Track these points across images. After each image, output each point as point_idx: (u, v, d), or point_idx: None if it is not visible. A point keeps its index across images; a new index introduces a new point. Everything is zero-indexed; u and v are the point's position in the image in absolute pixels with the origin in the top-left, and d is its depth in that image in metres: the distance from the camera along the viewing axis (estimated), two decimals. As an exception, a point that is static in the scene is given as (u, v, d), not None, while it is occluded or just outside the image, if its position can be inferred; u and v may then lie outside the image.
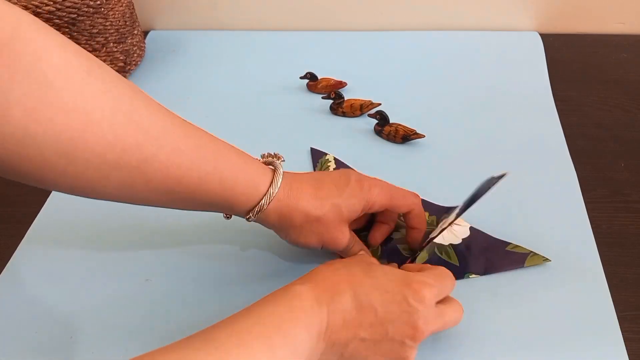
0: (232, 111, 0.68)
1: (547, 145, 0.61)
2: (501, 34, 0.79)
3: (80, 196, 0.38)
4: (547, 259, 0.48)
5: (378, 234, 0.50)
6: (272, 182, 0.42)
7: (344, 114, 0.67)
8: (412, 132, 0.61)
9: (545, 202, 0.54)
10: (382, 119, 0.63)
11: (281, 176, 0.42)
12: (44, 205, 0.57)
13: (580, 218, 0.53)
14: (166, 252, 0.52)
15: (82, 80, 0.33)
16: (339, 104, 0.66)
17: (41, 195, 0.58)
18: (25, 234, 0.54)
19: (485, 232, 0.51)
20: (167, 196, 0.39)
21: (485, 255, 0.49)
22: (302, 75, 0.70)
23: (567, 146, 0.61)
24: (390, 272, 0.40)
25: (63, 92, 0.32)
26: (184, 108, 0.69)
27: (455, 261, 0.49)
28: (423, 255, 0.49)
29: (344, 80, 0.70)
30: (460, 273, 0.48)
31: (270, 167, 0.44)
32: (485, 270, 0.48)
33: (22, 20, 0.32)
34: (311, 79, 0.70)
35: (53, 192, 0.58)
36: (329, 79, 0.70)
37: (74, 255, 0.52)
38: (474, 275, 0.48)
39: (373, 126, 0.64)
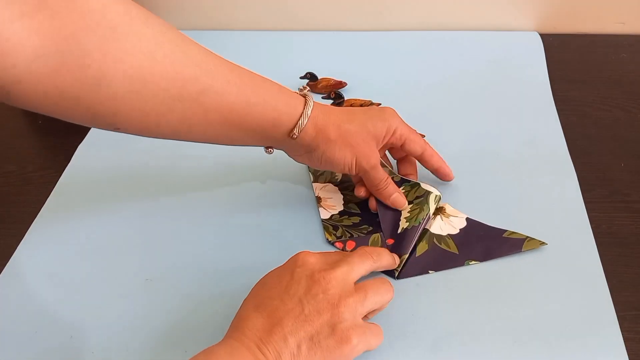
0: (232, 111, 0.68)
1: (547, 145, 0.61)
2: (501, 34, 0.79)
3: (146, 135, 0.43)
4: (544, 242, 0.49)
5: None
6: (306, 103, 0.47)
7: (344, 114, 0.67)
8: (412, 132, 0.61)
9: (545, 202, 0.54)
10: (382, 119, 0.62)
11: (312, 99, 0.48)
12: (44, 205, 0.57)
13: (580, 218, 0.53)
14: (166, 252, 0.52)
15: (143, 25, 0.39)
16: (339, 104, 0.66)
17: (41, 195, 0.58)
18: (25, 234, 0.54)
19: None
20: (222, 126, 0.44)
21: (483, 243, 0.50)
22: (302, 75, 0.70)
23: (567, 146, 0.61)
24: (271, 272, 0.42)
25: (128, 37, 0.38)
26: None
27: (454, 250, 0.50)
28: (422, 245, 0.50)
29: (344, 80, 0.70)
30: (460, 260, 0.49)
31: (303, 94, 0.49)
32: (485, 257, 0.49)
33: None
34: (311, 79, 0.70)
35: (53, 192, 0.58)
36: (329, 79, 0.71)
37: (74, 255, 0.52)
38: (474, 262, 0.49)
39: (373, 126, 0.64)
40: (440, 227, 0.52)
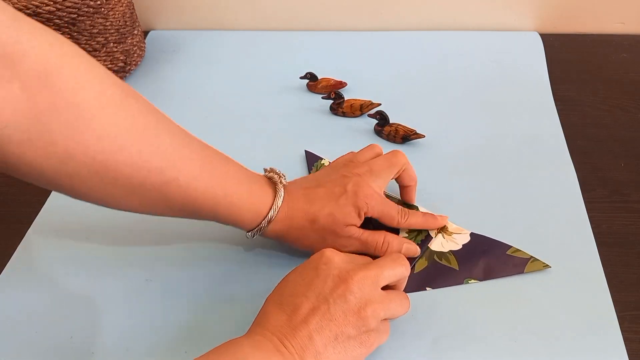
0: (232, 111, 0.68)
1: (547, 145, 0.61)
2: (501, 34, 0.79)
3: (107, 207, 0.42)
4: (547, 265, 0.48)
5: None
6: (272, 206, 0.46)
7: (344, 114, 0.67)
8: (412, 132, 0.61)
9: (545, 202, 0.54)
10: (382, 119, 0.63)
11: (281, 199, 0.46)
12: (44, 206, 0.57)
13: (580, 218, 0.53)
14: (166, 253, 0.52)
15: (116, 108, 0.38)
16: (339, 104, 0.66)
17: (41, 195, 0.58)
18: (25, 234, 0.54)
19: (486, 235, 0.51)
20: (183, 213, 0.44)
21: (485, 260, 0.49)
22: (302, 75, 0.70)
23: (567, 146, 0.61)
24: (294, 270, 0.42)
25: (97, 121, 0.37)
26: (184, 108, 0.69)
27: (455, 266, 0.49)
28: (422, 262, 0.49)
29: (344, 80, 0.70)
30: (460, 278, 0.48)
31: (274, 184, 0.47)
32: (485, 276, 0.48)
33: (65, 53, 0.36)
34: (311, 79, 0.70)
35: (53, 193, 0.58)
36: (329, 79, 0.70)
37: (74, 255, 0.52)
38: (473, 281, 0.48)
39: (373, 126, 0.64)
40: (441, 244, 0.51)
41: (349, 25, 0.82)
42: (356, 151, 0.52)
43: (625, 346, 0.43)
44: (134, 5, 0.76)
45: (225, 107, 0.69)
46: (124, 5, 0.71)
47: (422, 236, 0.51)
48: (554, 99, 0.68)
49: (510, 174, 0.58)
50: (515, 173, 0.58)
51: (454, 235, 0.51)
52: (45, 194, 0.58)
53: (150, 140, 0.39)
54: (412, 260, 0.49)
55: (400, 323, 0.45)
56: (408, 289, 0.47)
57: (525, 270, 0.48)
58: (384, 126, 0.63)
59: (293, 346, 0.36)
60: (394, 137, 0.62)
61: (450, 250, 0.50)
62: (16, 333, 0.46)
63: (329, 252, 0.41)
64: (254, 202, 0.45)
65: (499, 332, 0.44)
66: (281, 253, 0.51)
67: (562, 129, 0.63)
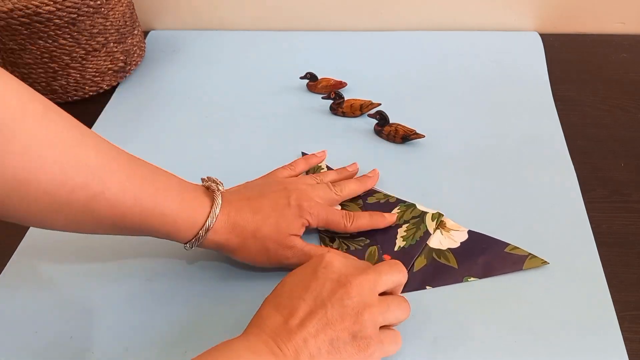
0: (232, 111, 0.68)
1: (547, 145, 0.61)
2: (501, 34, 0.79)
3: (31, 226, 0.40)
4: (545, 261, 0.48)
5: None
6: (209, 215, 0.44)
7: (344, 114, 0.67)
8: (412, 132, 0.61)
9: (545, 202, 0.54)
10: (382, 119, 0.63)
11: (219, 207, 0.44)
12: (44, 205, 0.57)
13: (580, 218, 0.53)
14: (166, 252, 0.52)
15: (37, 124, 0.36)
16: (339, 104, 0.66)
17: (41, 195, 0.58)
18: (25, 234, 0.54)
19: (484, 233, 0.51)
20: (113, 229, 0.42)
21: (484, 258, 0.49)
22: (302, 75, 0.70)
23: (567, 146, 0.61)
24: (292, 273, 0.42)
25: (17, 137, 0.35)
26: (184, 108, 0.69)
27: (454, 264, 0.49)
28: (421, 260, 0.49)
29: (344, 80, 0.70)
30: (459, 276, 0.48)
31: (212, 193, 0.46)
32: (484, 274, 0.48)
33: None
34: (311, 79, 0.70)
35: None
36: (329, 79, 0.70)
37: (74, 255, 0.52)
38: (473, 279, 0.48)
39: (373, 126, 0.64)
40: (440, 241, 0.51)
41: (349, 25, 0.82)
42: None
43: (625, 346, 0.43)
44: (134, 5, 0.76)
45: (225, 107, 0.69)
46: (124, 5, 0.71)
47: (420, 232, 0.51)
48: (554, 99, 0.68)
49: (510, 174, 0.58)
50: (515, 173, 0.58)
51: (451, 232, 0.51)
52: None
53: (74, 155, 0.38)
54: (412, 262, 0.49)
55: (400, 323, 0.45)
56: (409, 288, 0.47)
57: (524, 267, 0.48)
58: (384, 126, 0.63)
59: (288, 349, 0.36)
60: (394, 137, 0.62)
61: (449, 249, 0.50)
62: (16, 333, 0.46)
63: (329, 256, 0.41)
64: (188, 212, 0.44)
65: (499, 332, 0.44)
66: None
67: (562, 129, 0.63)
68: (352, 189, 0.54)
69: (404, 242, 0.50)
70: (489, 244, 0.50)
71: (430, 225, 0.52)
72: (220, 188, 0.46)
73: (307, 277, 0.40)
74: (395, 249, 0.50)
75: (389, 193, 0.55)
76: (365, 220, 0.51)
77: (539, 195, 0.55)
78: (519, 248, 0.50)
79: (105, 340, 0.45)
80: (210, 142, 0.64)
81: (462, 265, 0.49)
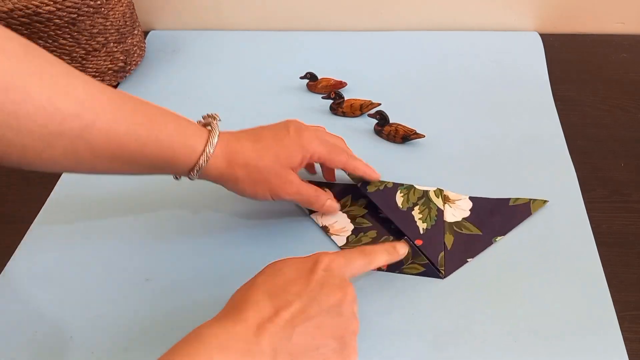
0: (232, 111, 0.68)
1: (547, 145, 0.61)
2: (501, 34, 0.79)
3: (30, 169, 0.40)
4: (546, 200, 0.53)
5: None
6: (207, 141, 0.44)
7: (344, 114, 0.67)
8: (412, 132, 0.61)
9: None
10: (382, 119, 0.63)
11: (217, 135, 0.45)
12: (44, 205, 0.57)
13: (580, 218, 0.53)
14: (166, 252, 0.52)
15: (19, 60, 0.36)
16: (339, 104, 0.66)
17: (41, 195, 0.58)
18: (25, 234, 0.54)
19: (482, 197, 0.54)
20: (112, 162, 0.42)
21: (496, 217, 0.52)
22: (302, 75, 0.70)
23: (567, 146, 0.61)
24: (289, 262, 0.41)
25: (1, 72, 0.35)
26: (184, 108, 0.69)
27: (477, 231, 0.51)
28: (449, 237, 0.51)
29: (344, 80, 0.70)
30: (487, 240, 0.51)
31: (208, 127, 0.46)
32: (505, 230, 0.51)
33: None
34: (311, 79, 0.70)
35: (53, 193, 0.59)
36: (329, 79, 0.70)
37: (74, 255, 0.52)
38: (499, 238, 0.50)
39: (373, 126, 0.64)
40: (452, 214, 0.53)
41: (349, 25, 0.82)
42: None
43: (625, 346, 0.43)
44: (134, 5, 0.76)
45: (225, 107, 0.69)
46: (124, 5, 0.71)
47: (434, 211, 0.52)
48: (554, 99, 0.68)
49: (510, 174, 0.58)
50: (515, 173, 0.58)
51: (457, 203, 0.54)
52: (46, 194, 0.58)
53: (61, 87, 0.38)
54: (443, 241, 0.50)
55: (401, 321, 0.45)
56: (454, 268, 0.49)
57: (532, 212, 0.52)
58: (384, 126, 0.63)
59: (268, 343, 0.35)
60: (394, 137, 0.62)
61: (464, 218, 0.52)
62: (16, 333, 0.46)
63: (327, 259, 0.40)
64: (185, 139, 0.44)
65: (499, 332, 0.44)
66: (281, 253, 0.51)
67: (562, 129, 0.63)
68: (361, 167, 0.52)
69: (425, 224, 0.51)
70: (494, 204, 0.53)
71: (438, 202, 0.53)
72: (217, 117, 0.47)
73: (305, 275, 0.39)
74: (421, 231, 0.51)
75: (384, 180, 0.55)
76: (361, 165, 0.52)
77: (539, 195, 0.55)
78: (520, 198, 0.53)
79: (106, 340, 0.45)
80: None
81: (483, 229, 0.51)
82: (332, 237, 0.52)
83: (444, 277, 0.48)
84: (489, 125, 0.64)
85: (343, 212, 0.54)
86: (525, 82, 0.70)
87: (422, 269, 0.49)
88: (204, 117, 0.48)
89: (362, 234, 0.52)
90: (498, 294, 0.47)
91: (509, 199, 0.53)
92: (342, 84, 0.70)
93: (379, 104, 0.66)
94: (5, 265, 0.51)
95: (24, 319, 0.47)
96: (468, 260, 0.49)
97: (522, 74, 0.72)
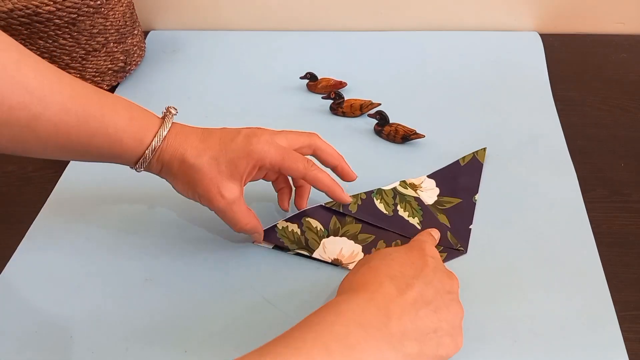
0: (232, 111, 0.68)
1: (547, 145, 0.61)
2: (501, 34, 0.79)
3: None
4: (485, 147, 0.58)
5: (286, 199, 0.52)
6: (156, 134, 0.44)
7: (344, 114, 0.67)
8: (412, 132, 0.61)
9: (545, 202, 0.54)
10: (382, 119, 0.63)
11: (167, 128, 0.44)
12: (44, 205, 0.57)
13: (580, 218, 0.53)
14: (166, 252, 0.52)
15: None
16: (339, 104, 0.66)
17: (41, 195, 0.58)
18: (25, 234, 0.54)
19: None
20: (60, 151, 0.42)
21: (461, 181, 0.56)
22: (302, 75, 0.70)
23: (567, 146, 0.61)
24: (396, 249, 0.42)
25: None
26: (184, 108, 0.69)
27: (456, 200, 0.54)
28: (442, 217, 0.53)
29: (344, 80, 0.70)
30: (470, 203, 0.54)
31: (163, 116, 0.45)
32: (474, 189, 0.55)
33: None
34: (311, 79, 0.70)
35: (53, 192, 0.59)
36: (329, 79, 0.70)
37: (74, 255, 0.52)
38: (477, 196, 0.54)
39: (373, 126, 0.64)
40: (428, 196, 0.55)
41: (349, 25, 0.82)
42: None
43: (625, 346, 0.43)
44: (134, 5, 0.76)
45: (225, 107, 0.69)
46: (124, 5, 0.71)
47: (414, 203, 0.53)
48: (554, 99, 0.68)
49: (510, 174, 0.58)
50: (515, 173, 0.58)
51: (422, 186, 0.56)
52: (45, 194, 0.58)
53: (9, 76, 0.37)
54: (443, 226, 0.52)
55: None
56: (466, 241, 0.51)
57: (483, 162, 0.57)
58: (384, 126, 0.63)
59: (397, 325, 0.35)
60: (394, 137, 0.62)
61: (438, 195, 0.55)
62: (16, 333, 0.46)
63: (431, 246, 0.42)
64: (135, 131, 0.43)
65: (498, 333, 0.44)
66: (282, 253, 0.51)
67: (562, 129, 0.63)
68: (325, 180, 0.46)
69: (415, 218, 0.52)
70: (451, 172, 0.56)
71: (409, 192, 0.54)
72: (172, 111, 0.46)
73: (416, 260, 0.40)
74: (418, 227, 0.52)
75: (384, 188, 0.55)
76: (325, 177, 0.46)
77: (539, 195, 0.55)
78: (465, 156, 0.58)
79: (106, 340, 0.45)
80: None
81: (460, 195, 0.54)
82: (349, 267, 0.49)
83: (466, 252, 0.50)
84: (489, 125, 0.64)
85: (341, 237, 0.51)
86: (525, 82, 0.70)
87: (445, 254, 0.50)
88: (163, 110, 0.46)
89: (373, 249, 0.50)
90: (498, 294, 0.47)
91: (457, 161, 0.58)
92: (342, 84, 0.70)
93: (379, 104, 0.66)
94: (5, 265, 0.51)
95: (24, 319, 0.47)
96: (470, 227, 0.52)
97: (522, 74, 0.72)
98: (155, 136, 0.43)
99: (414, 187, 0.55)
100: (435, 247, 0.49)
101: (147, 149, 0.43)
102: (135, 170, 0.45)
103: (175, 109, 0.46)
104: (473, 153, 0.58)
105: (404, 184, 0.55)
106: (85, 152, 0.43)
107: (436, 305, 0.37)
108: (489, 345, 0.43)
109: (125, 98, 0.45)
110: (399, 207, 0.53)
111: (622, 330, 0.44)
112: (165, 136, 0.44)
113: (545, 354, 0.43)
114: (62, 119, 0.40)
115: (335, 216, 0.52)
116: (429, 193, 0.55)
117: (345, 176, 0.49)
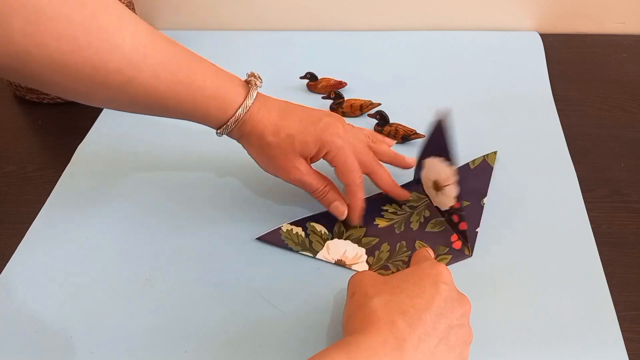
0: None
1: (547, 145, 0.61)
2: (501, 34, 0.79)
3: (76, 99, 0.44)
4: (495, 151, 0.58)
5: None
6: (242, 104, 0.46)
7: (344, 114, 0.67)
8: (412, 132, 0.61)
9: (545, 202, 0.54)
10: (382, 119, 0.63)
11: (252, 99, 0.46)
12: (44, 205, 0.57)
13: (580, 218, 0.53)
14: (166, 252, 0.52)
15: (72, 8, 0.37)
16: (339, 104, 0.66)
17: (41, 195, 0.58)
18: (25, 234, 0.54)
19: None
20: (149, 110, 0.45)
21: (470, 184, 0.55)
22: (302, 75, 0.70)
23: (567, 146, 0.61)
24: (406, 278, 0.40)
25: (54, 21, 0.36)
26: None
27: (466, 203, 0.54)
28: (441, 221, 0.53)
29: (344, 80, 0.70)
30: (478, 206, 0.53)
31: (249, 86, 0.48)
32: (484, 190, 0.55)
33: None
34: (311, 79, 0.70)
35: (53, 192, 0.58)
36: (329, 79, 0.71)
37: (74, 255, 0.52)
38: (485, 199, 0.54)
39: (373, 126, 0.64)
40: (442, 202, 0.52)
41: (349, 25, 0.82)
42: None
43: (625, 346, 0.43)
44: (134, 5, 0.76)
45: (225, 107, 0.69)
46: (124, 5, 0.71)
47: (423, 208, 0.54)
48: (554, 99, 0.68)
49: (510, 174, 0.58)
50: (515, 173, 0.58)
51: (445, 189, 0.51)
52: (45, 194, 0.58)
53: (108, 40, 0.39)
54: (453, 230, 0.52)
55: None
56: (472, 244, 0.50)
57: (493, 165, 0.57)
58: (384, 126, 0.63)
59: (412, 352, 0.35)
60: (394, 137, 0.62)
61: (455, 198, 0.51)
62: (16, 333, 0.46)
63: (447, 273, 0.39)
64: (221, 99, 0.46)
65: (498, 333, 0.44)
66: (282, 254, 0.51)
67: (562, 129, 0.63)
68: (388, 150, 0.53)
69: (433, 225, 0.53)
70: (460, 173, 0.49)
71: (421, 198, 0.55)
72: (258, 83, 0.48)
73: (428, 289, 0.38)
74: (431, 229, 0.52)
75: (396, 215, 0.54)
76: (387, 178, 0.52)
77: (539, 195, 0.55)
78: (476, 158, 0.58)
79: (106, 340, 0.45)
80: (209, 142, 0.64)
81: (468, 198, 0.54)
82: (352, 267, 0.49)
83: (472, 255, 0.50)
84: (489, 126, 0.64)
85: (345, 240, 0.51)
86: (525, 82, 0.71)
87: (450, 257, 0.50)
88: (249, 75, 0.49)
89: (377, 251, 0.50)
90: (498, 294, 0.47)
91: (467, 163, 0.57)
92: (342, 84, 0.70)
93: (379, 104, 0.66)
94: (5, 265, 0.51)
95: (24, 319, 0.47)
96: (477, 230, 0.51)
97: (522, 74, 0.72)
98: (239, 107, 0.46)
99: (437, 186, 0.52)
100: (441, 247, 0.50)
101: (231, 118, 0.46)
102: (217, 134, 0.48)
103: (261, 80, 0.48)
104: (483, 156, 0.58)
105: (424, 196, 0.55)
106: (172, 112, 0.46)
107: (447, 337, 0.37)
108: (489, 345, 0.43)
109: (215, 64, 0.47)
110: (429, 224, 0.53)
111: (622, 330, 0.44)
112: (249, 108, 0.46)
113: (545, 354, 0.42)
114: (153, 84, 0.42)
115: (339, 222, 0.53)
116: (451, 191, 0.51)
117: (401, 164, 0.54)
